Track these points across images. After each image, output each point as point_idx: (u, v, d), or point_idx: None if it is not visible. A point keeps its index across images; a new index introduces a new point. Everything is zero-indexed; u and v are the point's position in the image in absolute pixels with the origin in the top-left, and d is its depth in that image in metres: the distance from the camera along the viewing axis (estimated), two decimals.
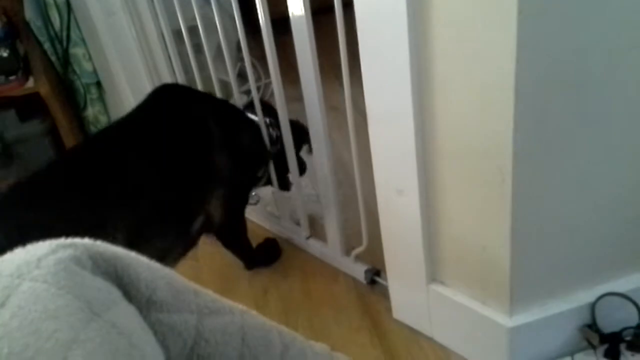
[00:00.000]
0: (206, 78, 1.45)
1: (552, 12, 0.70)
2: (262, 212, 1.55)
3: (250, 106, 1.32)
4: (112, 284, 0.42)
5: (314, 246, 1.40)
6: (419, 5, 0.78)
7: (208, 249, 1.50)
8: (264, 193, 1.67)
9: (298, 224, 1.43)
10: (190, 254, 1.49)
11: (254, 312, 0.57)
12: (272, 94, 1.98)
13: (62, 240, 0.41)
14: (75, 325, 0.35)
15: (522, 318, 0.94)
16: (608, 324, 0.95)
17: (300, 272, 1.37)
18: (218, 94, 1.41)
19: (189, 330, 0.47)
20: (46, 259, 0.39)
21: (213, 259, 1.47)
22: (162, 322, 0.45)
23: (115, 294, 0.41)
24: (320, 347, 0.64)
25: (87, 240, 0.43)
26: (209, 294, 0.51)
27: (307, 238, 1.41)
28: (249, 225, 1.56)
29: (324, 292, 1.29)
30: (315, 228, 1.42)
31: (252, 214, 1.57)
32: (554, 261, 0.92)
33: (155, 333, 0.44)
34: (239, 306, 0.55)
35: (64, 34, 1.72)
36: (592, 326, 0.95)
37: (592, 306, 0.94)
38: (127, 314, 0.41)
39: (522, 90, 0.73)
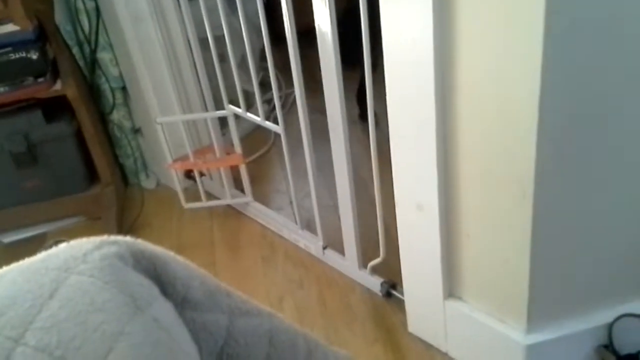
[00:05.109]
0: (229, 87, 1.47)
1: (578, 34, 0.71)
2: (278, 220, 1.56)
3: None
4: (151, 280, 0.43)
5: (330, 256, 1.41)
6: (445, 26, 0.80)
7: (225, 255, 1.52)
8: (281, 202, 1.69)
9: (315, 233, 1.44)
10: (207, 261, 1.51)
11: (280, 315, 0.58)
12: (293, 103, 2.00)
13: (106, 237, 0.43)
14: (121, 318, 0.37)
15: (539, 336, 0.94)
16: (625, 345, 0.94)
17: (316, 281, 1.38)
18: (241, 102, 1.44)
19: (221, 330, 0.48)
20: (92, 254, 0.40)
21: (230, 265, 1.48)
22: (195, 321, 0.47)
23: (155, 290, 0.43)
24: (343, 354, 0.65)
25: (128, 238, 0.44)
26: (240, 296, 0.53)
27: (324, 248, 1.42)
28: (264, 232, 1.58)
29: (339, 303, 1.29)
30: (332, 238, 1.43)
31: (270, 222, 1.58)
32: (573, 279, 0.92)
33: (189, 331, 0.46)
34: (267, 309, 0.56)
35: (92, 38, 1.76)
36: (609, 347, 0.95)
37: (610, 327, 0.94)
38: (166, 310, 0.43)
39: (545, 109, 0.74)
